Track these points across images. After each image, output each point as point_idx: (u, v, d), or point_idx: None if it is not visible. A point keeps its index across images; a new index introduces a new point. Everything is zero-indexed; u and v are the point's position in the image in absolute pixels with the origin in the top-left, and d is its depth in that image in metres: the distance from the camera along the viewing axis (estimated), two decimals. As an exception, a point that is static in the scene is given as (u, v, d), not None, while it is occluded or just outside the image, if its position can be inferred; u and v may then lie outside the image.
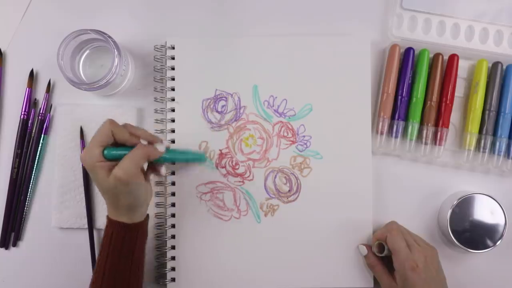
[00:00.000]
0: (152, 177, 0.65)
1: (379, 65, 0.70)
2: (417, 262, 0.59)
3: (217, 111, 0.68)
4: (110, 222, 0.59)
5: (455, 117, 0.69)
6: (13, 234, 0.69)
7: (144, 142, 0.60)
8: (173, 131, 0.68)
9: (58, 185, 0.68)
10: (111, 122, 0.57)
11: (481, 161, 0.68)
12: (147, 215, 0.62)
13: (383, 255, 0.63)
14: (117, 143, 0.58)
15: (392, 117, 0.68)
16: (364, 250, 0.66)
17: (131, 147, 0.58)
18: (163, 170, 0.63)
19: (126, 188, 0.56)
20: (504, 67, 0.68)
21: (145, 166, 0.62)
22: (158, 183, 0.68)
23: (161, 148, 0.60)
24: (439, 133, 0.68)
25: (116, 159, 0.56)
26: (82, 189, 0.67)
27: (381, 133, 0.68)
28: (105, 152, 0.56)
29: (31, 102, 0.69)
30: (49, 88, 0.69)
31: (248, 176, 0.68)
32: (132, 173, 0.56)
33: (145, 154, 0.58)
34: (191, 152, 0.67)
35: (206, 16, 0.71)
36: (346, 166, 0.68)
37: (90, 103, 0.69)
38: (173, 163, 0.67)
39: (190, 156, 0.67)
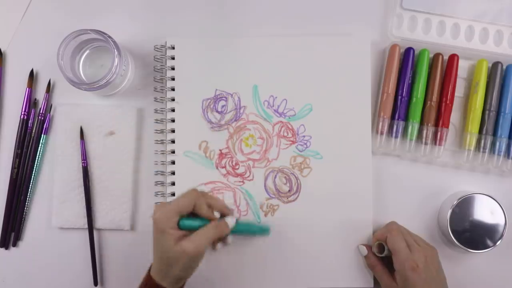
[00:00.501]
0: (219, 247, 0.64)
1: (379, 65, 0.70)
2: (417, 262, 0.59)
3: (217, 111, 0.68)
4: (151, 281, 0.57)
5: (455, 117, 0.69)
6: (13, 234, 0.69)
7: (217, 214, 0.60)
8: (173, 131, 0.68)
9: (58, 185, 0.68)
10: (196, 194, 0.58)
11: (481, 161, 0.68)
12: (184, 284, 0.61)
13: (383, 255, 0.63)
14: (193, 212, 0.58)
15: (392, 117, 0.68)
16: (364, 251, 0.66)
17: (205, 219, 0.58)
18: (230, 239, 0.63)
19: (188, 263, 0.56)
20: (504, 67, 0.68)
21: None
22: (158, 183, 0.68)
23: (231, 223, 0.60)
24: (439, 133, 0.68)
25: (187, 229, 0.57)
26: (82, 189, 0.67)
27: (381, 133, 0.68)
28: (180, 222, 0.57)
29: (31, 102, 0.69)
30: (49, 88, 0.69)
31: (248, 176, 0.68)
32: (202, 250, 0.56)
33: (218, 234, 0.58)
34: (255, 226, 0.67)
35: (206, 16, 0.71)
36: (346, 166, 0.68)
37: (90, 103, 0.69)
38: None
39: (255, 230, 0.66)
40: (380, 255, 0.64)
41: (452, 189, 0.69)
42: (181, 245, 0.54)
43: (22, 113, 0.69)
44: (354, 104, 0.68)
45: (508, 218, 0.65)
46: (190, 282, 0.66)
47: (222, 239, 0.62)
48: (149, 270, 0.59)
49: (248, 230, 0.66)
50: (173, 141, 0.68)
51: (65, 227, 0.68)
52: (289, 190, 0.68)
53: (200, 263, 0.58)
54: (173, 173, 0.68)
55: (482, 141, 0.68)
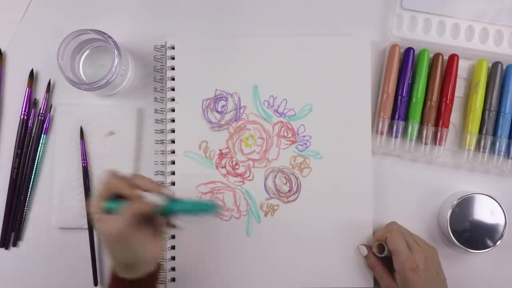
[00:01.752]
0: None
1: (379, 65, 0.70)
2: (417, 263, 0.59)
3: (217, 111, 0.68)
4: (110, 273, 0.56)
5: (455, 117, 0.69)
6: (13, 234, 0.69)
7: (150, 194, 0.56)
8: (173, 131, 0.68)
9: (58, 185, 0.68)
10: (110, 175, 0.55)
11: (481, 161, 0.68)
12: (158, 267, 0.58)
13: (383, 255, 0.63)
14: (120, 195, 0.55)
15: (392, 117, 0.68)
16: (364, 251, 0.66)
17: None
18: (178, 223, 0.59)
19: (117, 245, 0.53)
20: (504, 67, 0.68)
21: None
22: (158, 183, 0.68)
23: (155, 199, 0.55)
24: (439, 133, 0.68)
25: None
26: (82, 189, 0.67)
27: (381, 133, 0.68)
28: (105, 205, 0.54)
29: (31, 102, 0.69)
30: (49, 88, 0.69)
31: (248, 176, 0.68)
32: (123, 231, 0.52)
33: (137, 209, 0.53)
34: (198, 203, 0.60)
35: (206, 16, 0.71)
36: (346, 166, 0.68)
37: (90, 103, 0.69)
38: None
39: (199, 207, 0.57)
40: (380, 255, 0.64)
41: (452, 189, 0.69)
42: (104, 226, 0.53)
43: (22, 113, 0.69)
44: (354, 104, 0.68)
45: (508, 218, 0.65)
46: (191, 282, 0.66)
47: (166, 221, 0.58)
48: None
49: (188, 209, 0.56)
50: (173, 141, 0.68)
51: (65, 227, 0.68)
52: (289, 190, 0.68)
53: (144, 245, 0.54)
54: (173, 173, 0.68)
55: (482, 141, 0.68)
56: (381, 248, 0.64)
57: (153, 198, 0.55)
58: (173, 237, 0.67)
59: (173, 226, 0.59)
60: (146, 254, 0.55)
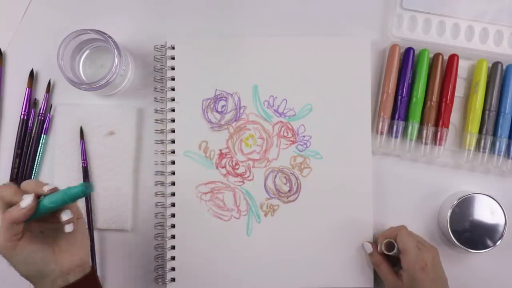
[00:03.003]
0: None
1: (379, 65, 0.70)
2: (426, 262, 0.59)
3: (217, 111, 0.68)
4: None
5: (455, 117, 0.69)
6: (13, 234, 0.69)
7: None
8: (173, 131, 0.68)
9: (58, 185, 0.67)
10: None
11: (481, 161, 0.68)
12: (90, 271, 0.54)
13: (391, 253, 0.63)
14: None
15: (392, 117, 0.68)
16: (369, 248, 0.65)
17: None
18: (64, 217, 0.51)
19: (9, 259, 0.50)
20: (504, 67, 0.68)
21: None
22: (158, 183, 0.68)
23: (24, 203, 0.49)
24: (439, 133, 0.68)
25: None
26: (82, 189, 0.67)
27: (381, 133, 0.68)
28: None
29: (31, 102, 0.69)
30: (49, 88, 0.69)
31: (248, 176, 0.68)
32: (2, 246, 0.49)
33: (8, 221, 0.48)
34: (68, 189, 0.51)
35: (206, 16, 0.71)
36: (346, 166, 0.68)
37: (90, 103, 0.69)
38: (60, 207, 0.52)
39: (70, 192, 0.50)
40: (389, 254, 0.63)
41: (452, 189, 0.69)
42: None
43: (22, 113, 0.69)
44: (354, 104, 0.68)
45: (508, 218, 0.65)
46: (191, 282, 0.66)
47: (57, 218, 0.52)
48: None
49: (61, 198, 0.50)
50: (173, 141, 0.68)
51: (65, 227, 0.68)
52: (289, 190, 0.68)
53: (23, 255, 0.51)
54: (173, 173, 0.68)
55: (482, 141, 0.68)
56: (391, 246, 0.63)
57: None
58: (173, 237, 0.67)
59: (64, 222, 0.52)
60: (43, 266, 0.51)
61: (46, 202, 0.50)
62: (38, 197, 0.50)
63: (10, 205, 0.50)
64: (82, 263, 0.54)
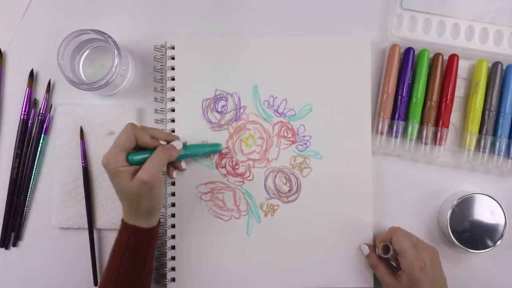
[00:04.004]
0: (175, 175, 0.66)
1: (379, 65, 0.70)
2: (425, 262, 0.59)
3: (217, 111, 0.68)
4: (127, 226, 0.59)
5: (455, 117, 0.69)
6: (13, 234, 0.69)
7: (163, 143, 0.61)
8: (173, 131, 0.68)
9: (58, 185, 0.68)
10: (133, 126, 0.58)
11: (481, 161, 0.68)
12: (159, 220, 0.62)
13: (388, 256, 0.63)
14: (138, 146, 0.59)
15: (392, 117, 0.68)
16: (366, 250, 0.66)
17: (152, 149, 0.59)
18: (183, 165, 0.65)
19: (150, 191, 0.56)
20: (504, 67, 0.68)
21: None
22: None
23: (179, 146, 0.61)
24: (439, 133, 0.68)
25: (139, 164, 0.57)
26: (82, 189, 0.67)
27: (381, 133, 0.68)
28: (129, 157, 0.58)
29: (31, 102, 0.69)
30: (49, 88, 0.69)
31: (248, 176, 0.68)
32: (157, 176, 0.56)
33: (167, 156, 0.59)
34: (206, 145, 0.67)
35: (206, 16, 0.71)
36: (346, 166, 0.68)
37: (90, 103, 0.69)
38: (192, 158, 0.67)
39: (206, 149, 0.66)
40: (385, 256, 0.63)
41: (452, 189, 0.69)
42: (136, 177, 0.56)
43: (22, 113, 0.69)
44: (354, 104, 0.68)
45: (508, 218, 0.65)
46: (191, 282, 0.66)
47: (175, 165, 0.65)
48: (122, 219, 0.60)
49: (198, 151, 0.66)
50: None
51: (65, 227, 0.68)
52: (289, 190, 0.68)
53: (160, 190, 0.59)
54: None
55: (482, 141, 0.68)
56: (387, 249, 0.63)
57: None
58: (173, 237, 0.67)
59: (180, 169, 0.65)
60: (162, 200, 0.60)
61: (188, 151, 0.64)
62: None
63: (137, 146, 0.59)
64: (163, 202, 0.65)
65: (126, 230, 0.59)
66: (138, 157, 0.58)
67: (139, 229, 0.59)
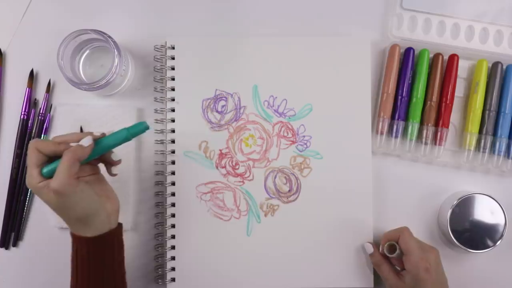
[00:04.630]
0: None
1: (379, 65, 0.70)
2: (430, 262, 0.59)
3: (217, 111, 0.68)
4: (73, 236, 0.57)
5: (455, 117, 0.69)
6: (13, 234, 0.69)
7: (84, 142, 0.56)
8: (173, 131, 0.68)
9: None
10: (34, 141, 0.55)
11: (481, 161, 0.68)
12: (119, 224, 0.59)
13: (394, 255, 0.63)
14: (52, 157, 0.55)
15: (392, 117, 0.68)
16: (370, 248, 0.65)
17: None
18: (114, 157, 0.59)
19: (67, 200, 0.53)
20: (504, 67, 0.68)
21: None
22: (158, 183, 0.68)
23: (86, 142, 0.55)
24: (439, 133, 0.68)
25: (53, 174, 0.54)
26: (82, 189, 0.67)
27: (381, 133, 0.68)
28: (43, 170, 0.54)
29: (31, 102, 0.69)
30: (49, 88, 0.69)
31: (248, 176, 0.68)
32: (68, 181, 0.52)
33: (73, 157, 0.53)
34: (125, 128, 0.57)
35: (206, 16, 0.71)
36: (346, 166, 0.68)
37: (90, 103, 0.69)
38: (112, 149, 0.59)
39: (125, 132, 0.57)
40: (391, 256, 0.63)
41: (452, 189, 0.69)
42: (49, 189, 0.52)
43: (22, 113, 0.69)
44: (354, 104, 0.68)
45: (508, 218, 0.65)
46: (191, 282, 0.66)
47: (105, 161, 0.59)
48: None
49: (117, 138, 0.57)
50: (173, 141, 0.68)
51: (65, 227, 0.67)
52: (289, 190, 0.68)
53: (91, 195, 0.55)
54: (173, 173, 0.68)
55: (482, 141, 0.68)
56: (392, 248, 0.63)
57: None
58: (173, 237, 0.67)
59: (114, 163, 0.59)
60: (94, 205, 0.56)
61: (110, 140, 0.56)
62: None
63: (51, 156, 0.55)
64: (117, 210, 0.59)
65: (74, 241, 0.57)
66: (48, 168, 0.54)
67: (84, 239, 0.55)
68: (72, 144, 0.55)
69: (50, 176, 0.54)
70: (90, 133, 0.56)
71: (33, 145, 0.54)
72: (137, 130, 0.57)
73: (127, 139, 0.57)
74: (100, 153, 0.57)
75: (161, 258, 0.67)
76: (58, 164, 0.53)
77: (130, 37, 0.70)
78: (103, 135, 0.57)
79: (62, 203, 0.53)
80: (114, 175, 0.60)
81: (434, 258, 0.61)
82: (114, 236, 0.58)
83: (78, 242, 0.56)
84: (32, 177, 0.54)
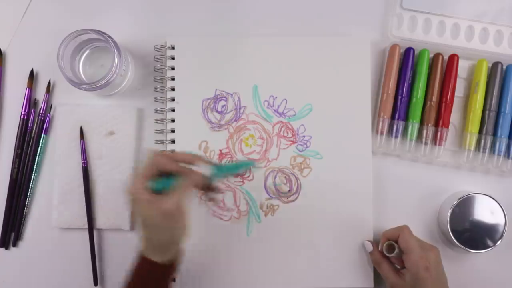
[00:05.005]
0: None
1: (379, 65, 0.70)
2: (429, 261, 0.60)
3: (217, 111, 0.68)
4: (145, 260, 0.56)
5: (455, 117, 0.69)
6: (13, 234, 0.69)
7: (196, 168, 0.57)
8: (173, 131, 0.68)
9: (58, 185, 0.68)
10: (155, 154, 0.55)
11: (481, 161, 0.68)
12: (179, 256, 0.59)
13: (393, 255, 0.63)
14: (164, 173, 0.56)
15: (392, 117, 0.68)
16: (370, 247, 0.65)
17: (178, 175, 0.55)
18: (218, 186, 0.62)
19: (170, 222, 0.53)
20: (504, 67, 0.68)
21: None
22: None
23: (205, 171, 0.57)
24: (439, 133, 0.68)
25: (161, 191, 0.54)
26: (82, 189, 0.67)
27: (381, 133, 0.68)
28: (151, 185, 0.54)
29: (31, 102, 0.69)
30: (49, 88, 0.69)
31: (248, 176, 0.68)
32: (179, 205, 0.53)
33: (192, 184, 0.55)
34: (238, 164, 0.64)
35: (206, 16, 0.71)
36: (346, 166, 0.68)
37: (90, 103, 0.69)
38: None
39: (239, 167, 0.62)
40: (390, 255, 0.63)
41: (452, 189, 0.69)
42: (157, 206, 0.52)
43: (22, 113, 0.69)
44: (354, 104, 0.68)
45: (508, 218, 0.65)
46: (191, 282, 0.66)
47: (209, 187, 0.60)
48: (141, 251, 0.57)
49: (230, 171, 0.61)
50: (173, 141, 0.68)
51: (65, 227, 0.68)
52: (289, 190, 0.68)
53: (182, 222, 0.55)
54: (173, 173, 0.68)
55: (482, 141, 0.68)
56: (391, 248, 0.63)
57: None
58: (173, 237, 0.67)
59: (217, 190, 0.61)
60: (182, 233, 0.56)
61: (219, 172, 0.57)
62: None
63: (161, 173, 0.55)
64: (186, 233, 0.57)
65: (144, 264, 0.56)
66: (160, 183, 0.54)
67: (153, 263, 0.55)
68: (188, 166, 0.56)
69: (156, 191, 0.54)
70: (206, 160, 0.57)
71: (155, 159, 0.55)
72: (246, 167, 0.64)
73: (233, 173, 0.61)
74: (211, 180, 0.58)
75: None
76: (174, 184, 0.54)
77: (130, 37, 0.70)
78: (212, 163, 0.58)
79: (163, 224, 0.53)
80: (213, 201, 0.62)
81: (434, 257, 0.61)
82: (174, 269, 0.58)
83: (144, 261, 0.56)
84: (139, 188, 0.53)
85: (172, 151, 0.68)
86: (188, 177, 0.55)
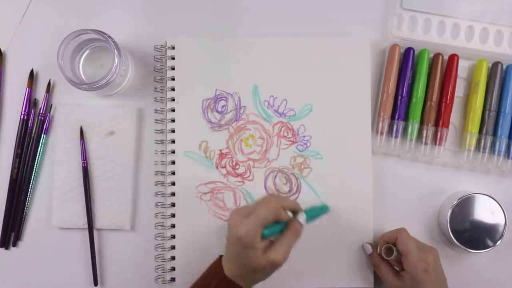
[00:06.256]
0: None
1: (379, 65, 0.70)
2: (428, 263, 0.59)
3: (217, 111, 0.68)
4: (226, 280, 0.57)
5: (455, 117, 0.69)
6: (13, 234, 0.69)
7: (289, 213, 0.59)
8: (173, 131, 0.68)
9: (58, 185, 0.68)
10: (277, 200, 0.57)
11: (481, 161, 0.68)
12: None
13: (391, 258, 0.63)
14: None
15: (392, 117, 0.68)
16: (369, 249, 0.65)
17: (281, 221, 0.57)
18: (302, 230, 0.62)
19: (274, 270, 0.56)
20: (504, 67, 0.68)
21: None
22: (158, 183, 0.68)
23: (303, 220, 0.59)
24: (439, 133, 0.68)
25: (268, 237, 0.56)
26: (82, 189, 0.67)
27: (381, 133, 0.68)
28: (265, 232, 0.55)
29: (31, 102, 0.69)
30: (49, 88, 0.69)
31: (248, 176, 0.68)
32: (287, 257, 0.56)
33: (297, 236, 0.58)
34: (317, 208, 0.65)
35: (206, 16, 0.71)
36: (346, 166, 0.68)
37: (90, 103, 0.69)
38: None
39: (318, 212, 0.65)
40: (388, 258, 0.63)
41: (452, 189, 0.69)
42: (268, 256, 0.54)
43: (22, 113, 0.69)
44: (354, 104, 0.68)
45: (508, 218, 0.65)
46: (191, 282, 0.66)
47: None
48: (221, 266, 0.58)
49: (313, 217, 0.63)
50: (173, 141, 0.68)
51: (65, 227, 0.68)
52: (289, 190, 0.68)
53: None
54: (173, 173, 0.68)
55: (482, 141, 0.68)
56: (390, 251, 0.63)
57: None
58: (173, 237, 0.67)
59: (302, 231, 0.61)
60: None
61: (308, 219, 0.60)
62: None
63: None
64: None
65: (224, 282, 0.57)
66: (271, 231, 0.56)
67: (237, 285, 0.57)
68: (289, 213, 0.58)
69: (266, 237, 0.55)
70: (300, 207, 0.60)
71: (276, 205, 0.56)
72: (325, 211, 0.66)
73: (315, 218, 0.63)
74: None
75: (161, 258, 0.67)
76: (283, 236, 0.56)
77: (130, 37, 0.70)
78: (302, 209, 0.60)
79: (266, 269, 0.55)
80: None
81: (433, 258, 0.61)
82: None
83: (228, 284, 0.57)
84: (256, 234, 0.54)
85: (173, 151, 0.68)
86: (294, 232, 0.57)
